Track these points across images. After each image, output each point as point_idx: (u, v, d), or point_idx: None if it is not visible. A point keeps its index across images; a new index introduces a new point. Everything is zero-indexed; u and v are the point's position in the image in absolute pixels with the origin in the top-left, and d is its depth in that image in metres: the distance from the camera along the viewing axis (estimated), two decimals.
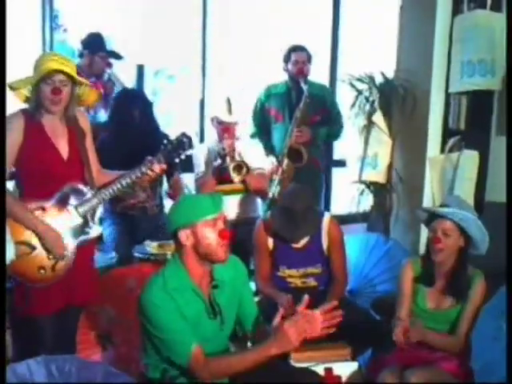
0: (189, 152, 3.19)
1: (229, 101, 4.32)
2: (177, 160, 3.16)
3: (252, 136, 4.90)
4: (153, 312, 2.52)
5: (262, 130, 4.95)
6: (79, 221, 3.04)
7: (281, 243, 3.67)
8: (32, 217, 2.96)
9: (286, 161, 4.62)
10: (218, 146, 4.27)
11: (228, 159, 4.20)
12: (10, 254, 2.82)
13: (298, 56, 4.82)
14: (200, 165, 4.36)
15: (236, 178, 4.22)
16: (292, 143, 4.64)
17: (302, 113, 4.66)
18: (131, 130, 4.09)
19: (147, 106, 4.30)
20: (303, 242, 3.67)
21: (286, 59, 4.85)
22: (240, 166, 4.22)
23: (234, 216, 4.36)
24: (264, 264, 3.71)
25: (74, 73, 2.99)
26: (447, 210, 3.13)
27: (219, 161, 4.23)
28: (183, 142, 3.14)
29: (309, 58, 4.86)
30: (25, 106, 3.05)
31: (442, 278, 3.21)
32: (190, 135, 3.19)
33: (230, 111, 4.29)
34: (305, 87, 4.67)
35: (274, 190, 4.37)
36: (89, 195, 3.06)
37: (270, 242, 3.69)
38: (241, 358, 2.54)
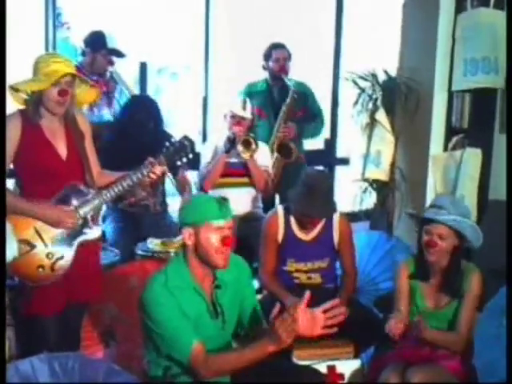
0: (190, 156, 3.17)
1: (245, 100, 4.37)
2: (178, 163, 3.15)
3: None
4: (154, 308, 2.52)
5: None
6: (79, 222, 3.04)
7: (291, 235, 3.67)
8: (28, 203, 2.95)
9: (275, 155, 4.69)
10: (228, 132, 4.27)
11: (237, 138, 4.22)
12: (13, 251, 2.83)
13: (279, 53, 4.85)
14: (206, 157, 4.38)
15: (244, 153, 4.22)
16: (282, 139, 4.70)
17: (288, 108, 4.70)
18: (141, 137, 4.10)
19: (158, 114, 4.31)
20: (313, 234, 3.68)
21: (267, 57, 4.88)
22: (248, 142, 4.22)
23: (238, 211, 4.34)
24: (270, 257, 3.69)
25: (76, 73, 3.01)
26: (445, 218, 3.10)
27: (228, 145, 4.23)
28: (185, 145, 3.13)
29: (289, 56, 4.88)
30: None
31: (437, 275, 3.21)
32: (192, 139, 3.18)
33: (244, 108, 4.31)
34: (290, 83, 4.72)
35: None
36: (90, 196, 3.05)
37: (281, 233, 3.68)
38: (239, 355, 2.53)
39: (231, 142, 4.23)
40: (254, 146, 4.23)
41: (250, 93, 4.89)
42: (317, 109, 5.04)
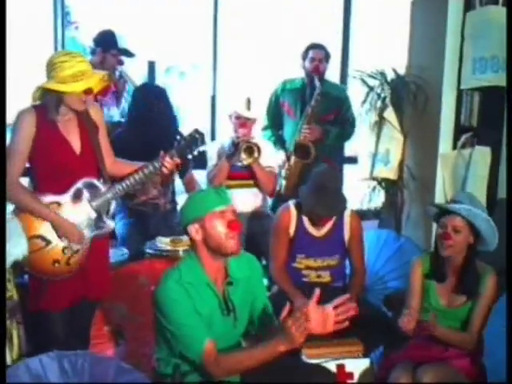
0: (201, 148, 3.21)
1: (249, 100, 4.33)
2: (189, 156, 3.19)
3: (264, 128, 4.89)
4: (167, 305, 2.52)
5: (275, 123, 4.93)
6: (93, 215, 3.06)
7: (303, 230, 3.68)
8: (46, 209, 2.96)
9: (293, 157, 4.66)
10: (233, 135, 4.27)
11: (241, 143, 4.21)
12: (23, 248, 2.84)
13: (314, 53, 4.80)
14: (212, 158, 4.37)
15: (246, 160, 4.22)
16: (301, 139, 4.66)
17: (312, 110, 4.66)
18: (150, 126, 4.09)
19: (167, 102, 4.31)
20: (325, 230, 3.69)
21: (304, 56, 4.84)
22: (251, 148, 4.21)
23: (243, 209, 4.34)
24: (282, 250, 3.70)
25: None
26: (458, 207, 3.12)
27: (233, 149, 4.23)
28: (196, 138, 3.16)
29: (326, 57, 4.84)
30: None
31: (452, 274, 3.19)
32: (202, 131, 3.20)
33: (248, 108, 4.30)
34: (317, 84, 4.66)
35: (280, 184, 4.47)
36: (103, 190, 3.08)
37: (293, 227, 3.69)
38: (250, 354, 2.53)
39: (235, 146, 4.23)
40: (256, 154, 4.21)
41: (285, 88, 4.89)
42: (350, 116, 4.97)
